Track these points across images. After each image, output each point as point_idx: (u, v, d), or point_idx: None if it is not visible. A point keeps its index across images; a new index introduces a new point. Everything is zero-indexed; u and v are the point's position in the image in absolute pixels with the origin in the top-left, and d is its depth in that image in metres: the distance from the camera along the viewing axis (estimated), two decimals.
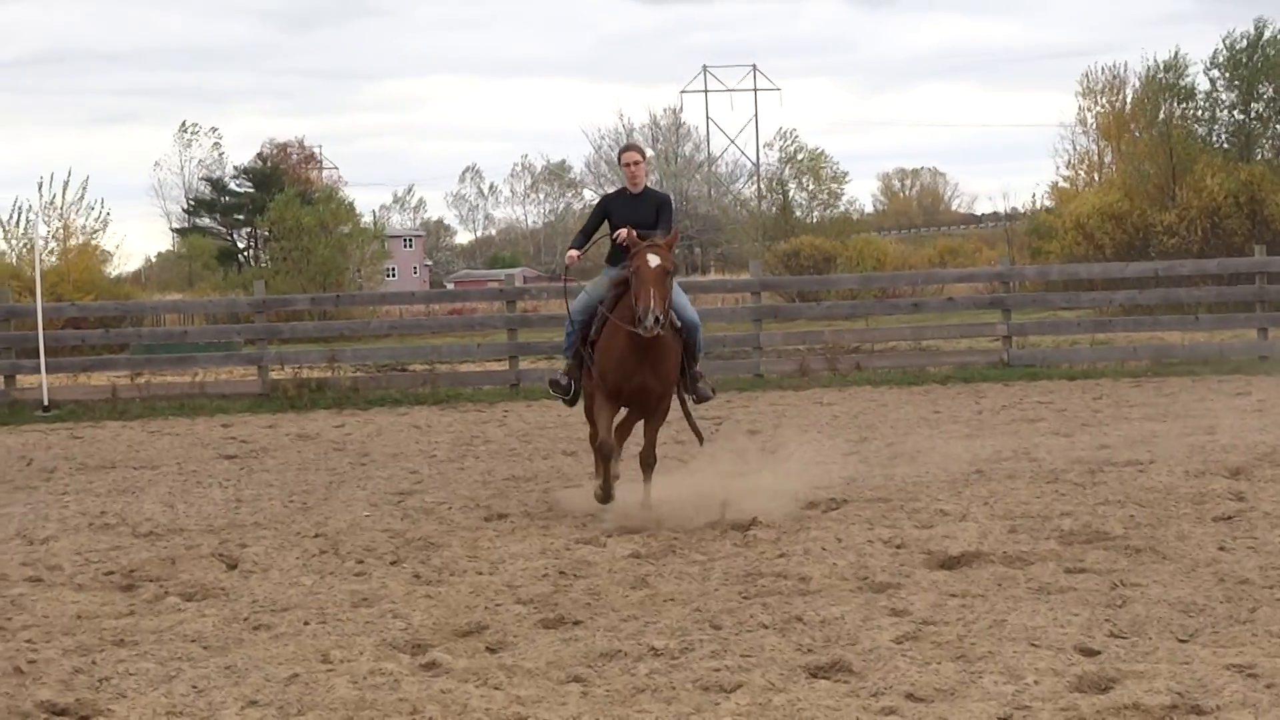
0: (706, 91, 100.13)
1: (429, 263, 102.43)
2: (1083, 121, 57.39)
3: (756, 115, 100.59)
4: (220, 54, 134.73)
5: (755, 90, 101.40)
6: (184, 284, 70.49)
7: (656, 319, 13.75)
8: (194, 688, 8.91)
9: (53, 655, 9.76)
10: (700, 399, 15.30)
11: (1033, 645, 9.15)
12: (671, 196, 15.21)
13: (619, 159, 15.15)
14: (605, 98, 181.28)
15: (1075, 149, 58.30)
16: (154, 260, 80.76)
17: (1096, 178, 55.26)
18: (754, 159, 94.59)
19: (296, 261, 62.61)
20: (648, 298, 13.78)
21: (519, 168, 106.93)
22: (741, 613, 10.30)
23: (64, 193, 49.53)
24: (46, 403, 28.15)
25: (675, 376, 14.76)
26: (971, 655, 8.98)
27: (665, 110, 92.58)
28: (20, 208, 48.34)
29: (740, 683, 8.58)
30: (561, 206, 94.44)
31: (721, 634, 9.77)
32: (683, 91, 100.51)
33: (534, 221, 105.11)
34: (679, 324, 14.62)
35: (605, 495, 14.57)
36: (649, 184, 15.14)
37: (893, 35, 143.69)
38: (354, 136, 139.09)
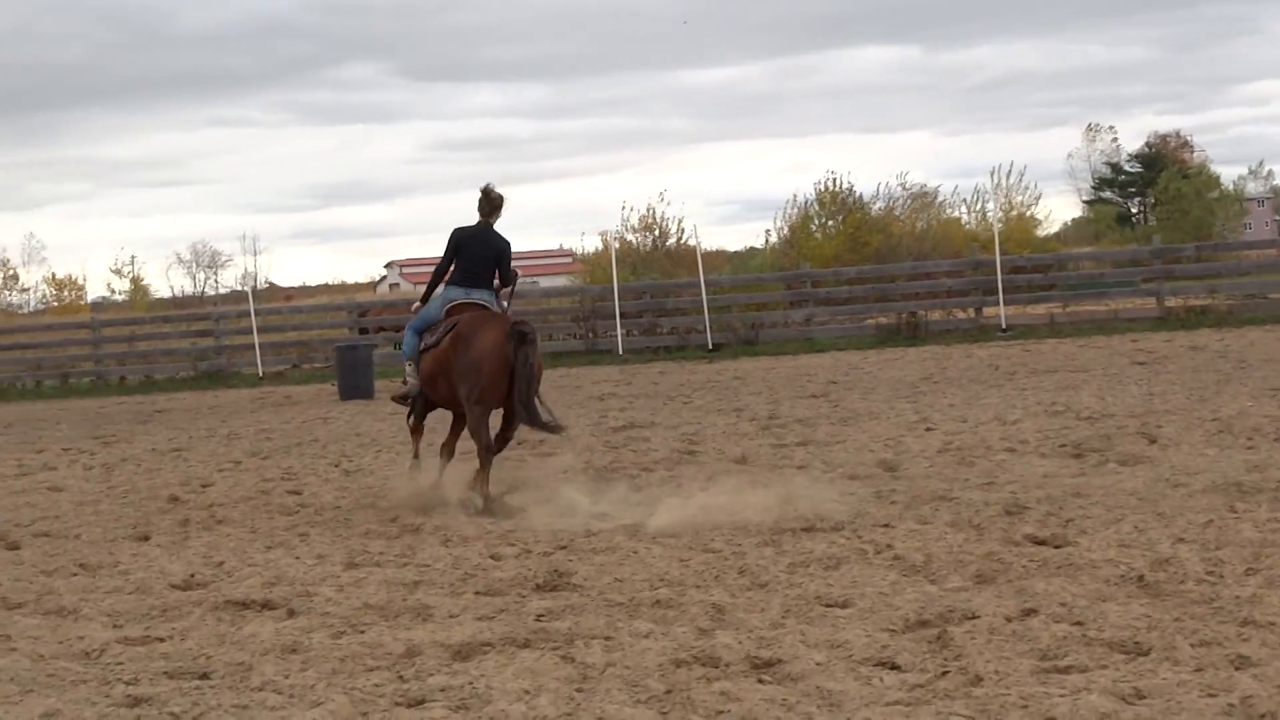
0: None
1: (1277, 217, 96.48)
2: None
3: None
4: (1124, 71, 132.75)
5: None
6: (1091, 240, 69.05)
7: None
8: (1135, 528, 8.68)
9: (1030, 503, 9.77)
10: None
11: None
12: None
13: None
14: None
15: None
16: (1069, 224, 79.51)
17: None
18: None
19: (1177, 220, 60.40)
20: None
21: None
22: None
23: (1007, 178, 49.64)
24: (1004, 326, 28.44)
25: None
26: None
27: None
28: (978, 190, 48.81)
29: None
30: None
31: None
32: None
33: None
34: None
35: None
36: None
37: None
38: (1220, 127, 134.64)
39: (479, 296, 11.51)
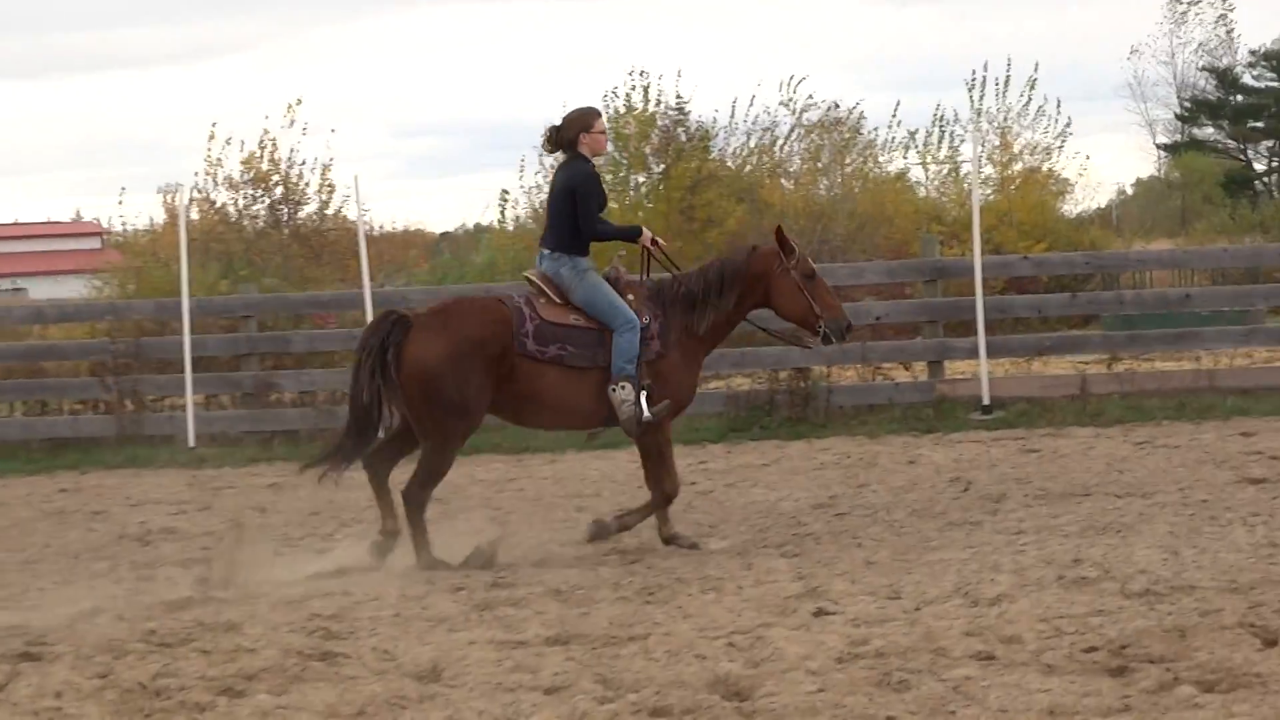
0: None
1: None
2: None
3: None
4: None
5: None
6: (1175, 225, 70.77)
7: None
8: None
9: None
10: None
11: None
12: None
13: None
14: None
15: None
16: (1129, 192, 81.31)
17: None
18: None
19: None
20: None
21: None
22: None
23: (1004, 94, 49.71)
24: (987, 400, 28.69)
25: None
26: None
27: None
28: (942, 119, 48.98)
29: None
30: None
31: None
32: None
33: None
34: None
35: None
36: None
37: None
38: None
39: (545, 267, 17.54)
